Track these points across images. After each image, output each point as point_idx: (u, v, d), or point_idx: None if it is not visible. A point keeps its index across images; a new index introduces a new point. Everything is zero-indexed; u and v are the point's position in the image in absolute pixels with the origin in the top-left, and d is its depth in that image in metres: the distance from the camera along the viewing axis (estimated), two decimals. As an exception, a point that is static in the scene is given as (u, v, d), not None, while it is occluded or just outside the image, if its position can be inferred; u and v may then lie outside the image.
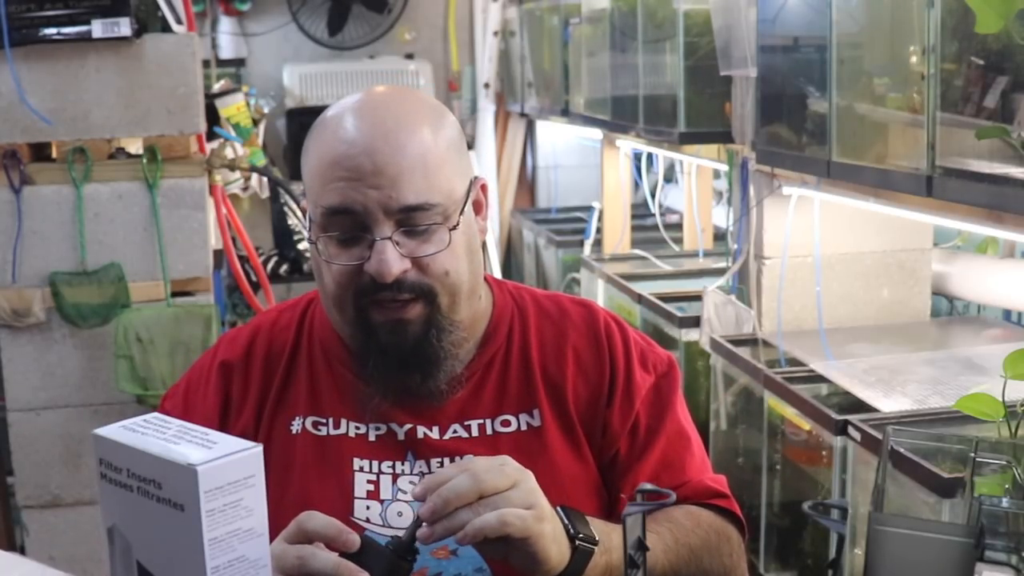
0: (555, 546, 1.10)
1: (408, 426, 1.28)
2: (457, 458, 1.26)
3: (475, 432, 1.29)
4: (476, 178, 1.29)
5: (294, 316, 1.38)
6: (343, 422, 1.30)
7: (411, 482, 1.26)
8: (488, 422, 1.30)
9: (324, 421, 1.30)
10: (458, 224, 1.23)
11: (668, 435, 1.34)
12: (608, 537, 1.17)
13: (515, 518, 1.06)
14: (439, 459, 1.27)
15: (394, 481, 1.27)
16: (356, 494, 1.26)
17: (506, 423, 1.30)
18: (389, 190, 1.19)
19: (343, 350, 1.33)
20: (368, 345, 1.25)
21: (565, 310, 1.38)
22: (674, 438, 1.34)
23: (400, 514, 1.25)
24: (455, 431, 1.29)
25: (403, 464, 1.27)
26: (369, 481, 1.27)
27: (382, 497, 1.26)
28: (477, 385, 1.31)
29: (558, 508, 1.15)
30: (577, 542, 1.13)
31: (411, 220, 1.20)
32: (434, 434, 1.28)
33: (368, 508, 1.25)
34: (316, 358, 1.34)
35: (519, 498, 1.08)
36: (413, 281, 1.21)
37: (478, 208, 1.31)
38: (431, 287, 1.22)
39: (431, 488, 1.07)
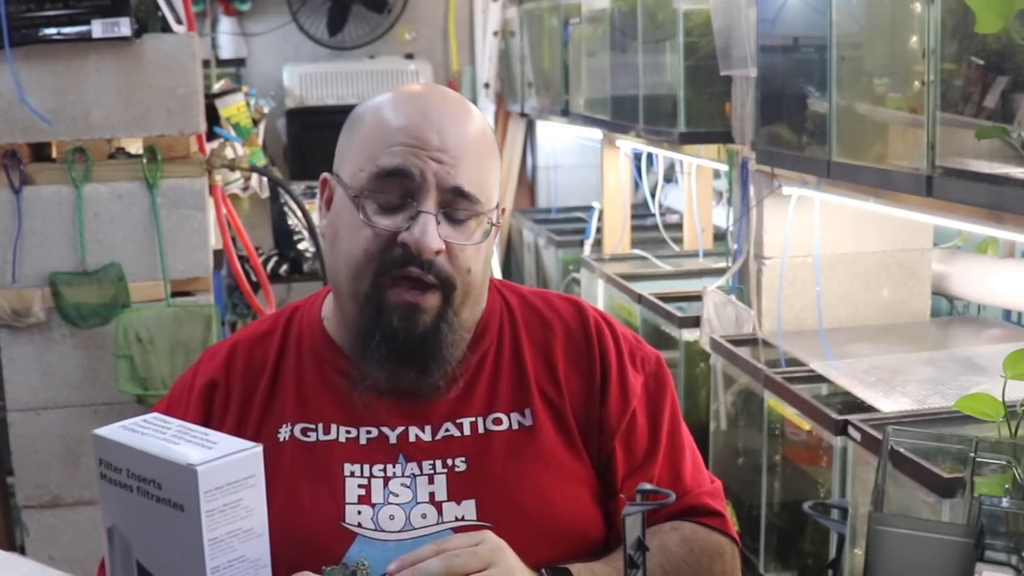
0: None
1: (400, 429, 1.28)
2: (448, 460, 1.26)
3: (467, 431, 1.28)
4: (500, 205, 1.32)
5: (278, 325, 1.37)
6: (333, 427, 1.29)
7: (403, 484, 1.25)
8: (480, 420, 1.29)
9: (313, 427, 1.29)
10: (489, 230, 1.27)
11: (664, 443, 1.34)
12: None
13: None
14: (431, 461, 1.27)
15: (385, 484, 1.26)
16: (347, 499, 1.25)
17: (498, 421, 1.29)
18: (450, 166, 1.22)
19: (334, 353, 1.32)
20: (376, 323, 1.24)
21: (554, 307, 1.37)
22: (670, 445, 1.35)
23: (392, 517, 1.24)
24: (447, 430, 1.28)
25: (394, 467, 1.26)
26: (360, 486, 1.26)
27: (373, 501, 1.25)
28: (469, 383, 1.30)
29: (543, 572, 1.18)
30: None
31: (456, 204, 1.23)
32: (426, 435, 1.28)
33: (359, 513, 1.24)
34: (304, 364, 1.33)
35: None
36: (441, 267, 1.22)
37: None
38: (453, 279, 1.23)
39: (405, 565, 1.10)
